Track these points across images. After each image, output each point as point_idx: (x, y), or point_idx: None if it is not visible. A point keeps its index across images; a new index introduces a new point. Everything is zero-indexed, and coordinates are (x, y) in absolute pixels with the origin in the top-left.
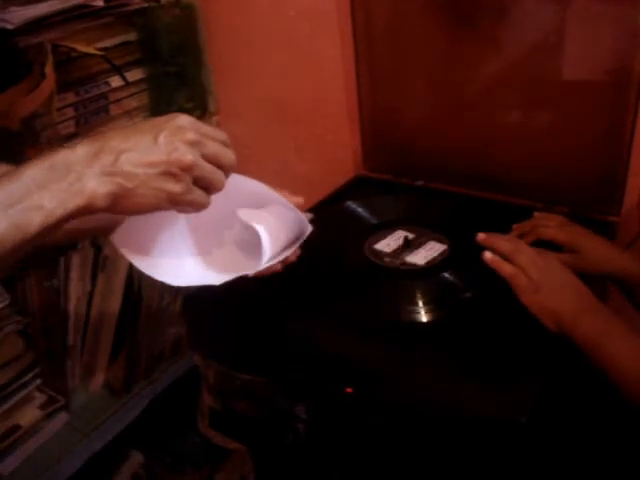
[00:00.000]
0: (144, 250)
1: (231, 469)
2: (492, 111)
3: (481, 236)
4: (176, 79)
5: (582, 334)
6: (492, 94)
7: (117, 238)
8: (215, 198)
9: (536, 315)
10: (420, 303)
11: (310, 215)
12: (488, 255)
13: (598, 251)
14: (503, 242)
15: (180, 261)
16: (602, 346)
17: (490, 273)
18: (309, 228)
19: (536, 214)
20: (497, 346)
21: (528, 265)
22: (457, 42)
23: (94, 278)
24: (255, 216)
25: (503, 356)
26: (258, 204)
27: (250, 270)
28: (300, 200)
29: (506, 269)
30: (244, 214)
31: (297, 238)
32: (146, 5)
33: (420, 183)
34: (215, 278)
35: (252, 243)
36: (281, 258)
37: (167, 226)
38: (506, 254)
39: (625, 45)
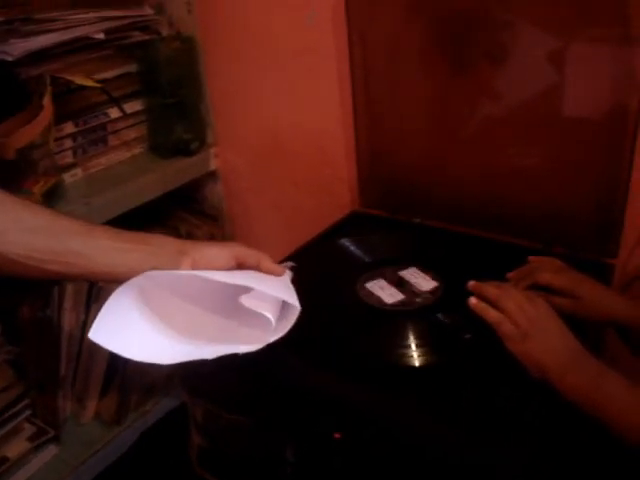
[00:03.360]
0: (126, 336)
1: None
2: (489, 150)
3: (471, 283)
4: (175, 110)
5: (570, 388)
6: (489, 133)
7: (95, 334)
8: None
9: (521, 362)
10: (413, 346)
11: (291, 264)
12: (473, 300)
13: (596, 297)
14: (490, 288)
15: (166, 338)
16: (594, 401)
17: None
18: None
19: (531, 258)
20: (492, 392)
21: (515, 311)
22: (454, 81)
23: (88, 308)
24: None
25: (499, 403)
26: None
27: (251, 345)
28: (280, 270)
29: (491, 315)
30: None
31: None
32: (147, 38)
33: (417, 221)
34: (208, 351)
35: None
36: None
37: (149, 307)
38: (492, 300)
39: (620, 86)
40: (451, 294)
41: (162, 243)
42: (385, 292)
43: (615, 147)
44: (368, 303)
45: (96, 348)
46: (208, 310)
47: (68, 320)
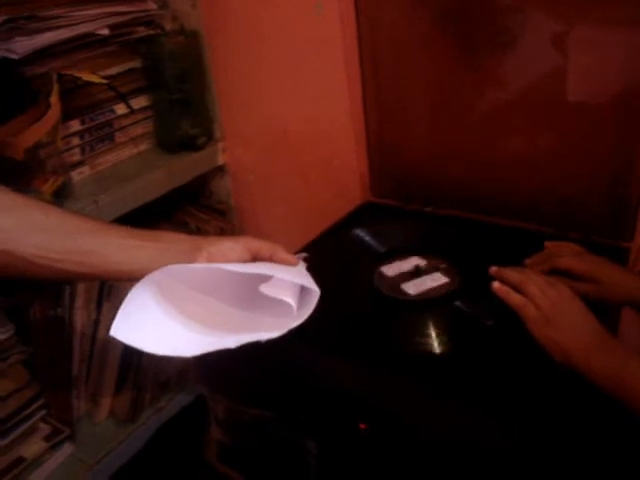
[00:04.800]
0: (147, 332)
1: None
2: (500, 136)
3: (493, 269)
4: (181, 106)
5: (596, 371)
6: (499, 120)
7: (116, 330)
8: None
9: (544, 347)
10: (434, 334)
11: (304, 254)
12: (496, 284)
13: (616, 279)
14: (513, 272)
15: (188, 330)
16: (621, 382)
17: (501, 304)
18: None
19: (547, 244)
20: (514, 378)
21: (538, 295)
22: (462, 68)
23: (99, 307)
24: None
25: (521, 389)
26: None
27: (273, 332)
28: (295, 260)
29: (514, 298)
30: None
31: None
32: (151, 33)
33: (429, 209)
34: (230, 341)
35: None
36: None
37: (168, 302)
38: (515, 284)
39: (629, 68)
40: (468, 282)
41: (175, 240)
42: (402, 282)
43: (626, 129)
44: (386, 293)
45: (109, 346)
46: (227, 302)
47: (80, 319)
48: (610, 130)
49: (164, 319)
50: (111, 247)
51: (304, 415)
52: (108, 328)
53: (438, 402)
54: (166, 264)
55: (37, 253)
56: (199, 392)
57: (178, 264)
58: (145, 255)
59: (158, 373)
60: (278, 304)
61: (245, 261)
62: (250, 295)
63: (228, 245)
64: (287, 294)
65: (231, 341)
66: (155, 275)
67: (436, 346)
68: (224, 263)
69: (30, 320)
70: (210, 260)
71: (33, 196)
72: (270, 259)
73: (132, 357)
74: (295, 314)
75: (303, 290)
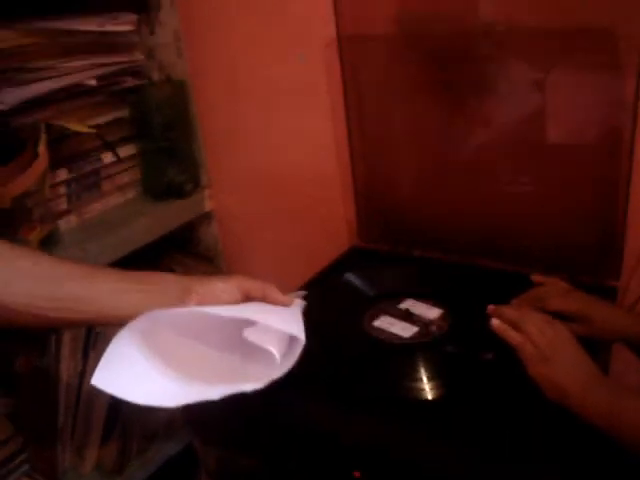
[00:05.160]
0: (130, 381)
1: None
2: (484, 179)
3: (491, 307)
4: (168, 154)
5: (590, 409)
6: (483, 162)
7: (98, 379)
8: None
9: (540, 386)
10: (426, 378)
11: (303, 292)
12: (495, 322)
13: (606, 316)
14: (510, 310)
15: (171, 380)
16: (615, 419)
17: (495, 343)
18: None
19: (535, 278)
20: (509, 421)
21: (535, 334)
22: (446, 112)
23: (85, 356)
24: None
25: (516, 431)
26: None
27: (256, 383)
28: (288, 301)
29: (512, 336)
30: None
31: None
32: (138, 83)
33: (417, 253)
34: (213, 392)
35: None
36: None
37: (152, 349)
38: (513, 322)
39: (611, 110)
40: (459, 324)
41: (166, 281)
42: (393, 326)
43: (610, 170)
44: (377, 337)
45: (95, 397)
46: (213, 346)
47: (66, 369)
48: (592, 171)
49: (147, 368)
50: (101, 293)
51: (296, 463)
52: None
53: (433, 448)
54: (158, 306)
55: (27, 302)
56: (187, 441)
57: (163, 309)
58: (136, 299)
59: (146, 423)
60: (263, 350)
61: (237, 301)
62: (237, 337)
63: (220, 286)
64: (271, 342)
65: (214, 393)
66: (139, 321)
67: (429, 390)
68: (211, 306)
69: (14, 372)
70: (200, 302)
71: (20, 245)
72: (263, 299)
73: (119, 407)
74: (278, 364)
75: (292, 335)
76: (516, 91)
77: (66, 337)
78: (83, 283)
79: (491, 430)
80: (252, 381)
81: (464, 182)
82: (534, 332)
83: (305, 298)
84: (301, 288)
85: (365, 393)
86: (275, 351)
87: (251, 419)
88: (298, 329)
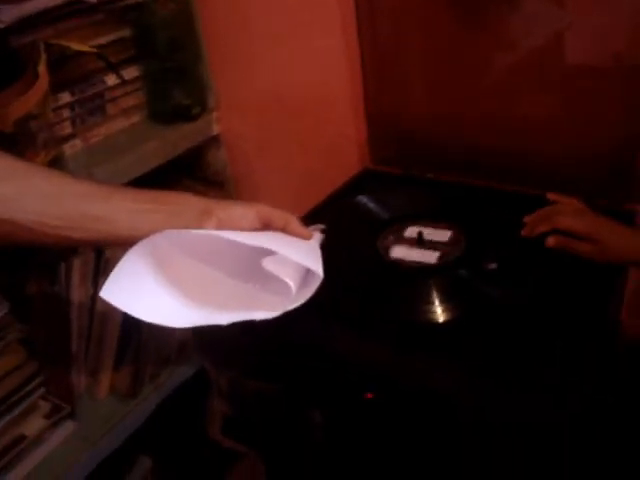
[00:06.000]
0: (138, 297)
1: (241, 473)
2: (502, 99)
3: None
4: (173, 75)
5: None
6: (502, 82)
7: (107, 292)
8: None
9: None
10: (439, 302)
11: (322, 226)
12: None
13: (619, 240)
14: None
15: (180, 301)
16: None
17: (509, 265)
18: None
19: (550, 195)
20: (521, 344)
21: (582, 230)
22: (464, 29)
23: (96, 282)
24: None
25: (529, 353)
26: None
27: (268, 312)
28: (308, 234)
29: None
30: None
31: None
32: (140, 0)
33: (430, 176)
34: (222, 317)
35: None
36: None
37: (164, 268)
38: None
39: (634, 26)
40: (473, 247)
41: (185, 202)
42: (407, 249)
43: (631, 92)
44: (390, 261)
45: (107, 321)
46: (226, 271)
47: (77, 295)
48: (613, 93)
49: (156, 287)
50: (118, 213)
51: (308, 386)
52: (106, 303)
53: (443, 369)
54: (175, 228)
55: (38, 219)
56: (200, 365)
57: (178, 229)
58: (153, 219)
59: (158, 348)
60: (278, 280)
61: (255, 229)
62: (253, 265)
63: (240, 212)
64: (288, 273)
65: (223, 318)
66: (152, 240)
67: (441, 313)
68: (231, 231)
69: (26, 297)
70: (219, 227)
71: None
72: (283, 230)
73: (131, 332)
74: (293, 296)
75: (308, 269)
76: (538, 7)
77: (76, 264)
78: (99, 202)
79: (501, 353)
80: (264, 310)
81: (481, 102)
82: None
83: (323, 232)
84: (312, 212)
85: (379, 316)
86: (292, 283)
87: (264, 342)
88: (316, 263)
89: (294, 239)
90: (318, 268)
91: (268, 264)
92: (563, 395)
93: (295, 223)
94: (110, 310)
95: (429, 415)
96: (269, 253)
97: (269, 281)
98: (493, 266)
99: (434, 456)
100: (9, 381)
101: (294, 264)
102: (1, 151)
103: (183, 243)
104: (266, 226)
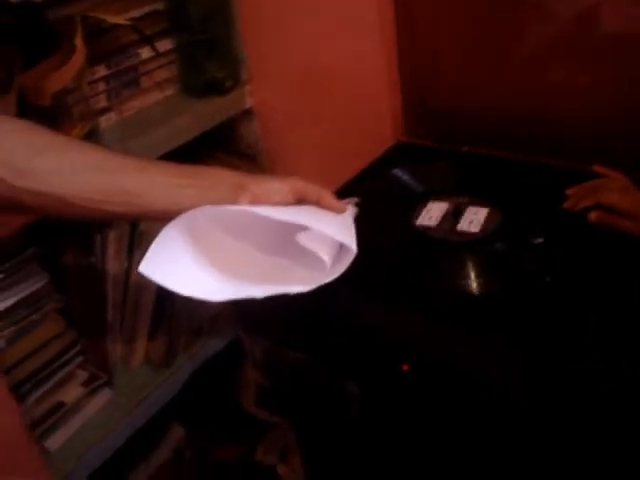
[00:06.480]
0: (176, 272)
1: (273, 442)
2: (540, 70)
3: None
4: (206, 48)
5: None
6: (540, 52)
7: (146, 267)
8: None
9: None
10: (476, 275)
11: (356, 199)
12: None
13: None
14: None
15: (216, 275)
16: None
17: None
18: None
19: (596, 168)
20: (558, 319)
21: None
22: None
23: (131, 254)
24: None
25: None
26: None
27: (303, 286)
28: (342, 208)
29: (622, 223)
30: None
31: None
32: None
33: (465, 149)
34: (258, 290)
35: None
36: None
37: (200, 243)
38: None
39: None
40: (510, 221)
41: (220, 176)
42: (443, 223)
43: None
44: (426, 234)
45: (141, 293)
46: (261, 246)
47: (112, 267)
48: None
49: (193, 261)
50: (153, 187)
51: (345, 357)
52: (140, 274)
53: (480, 342)
54: (210, 203)
55: (76, 194)
56: (232, 338)
57: (215, 206)
58: (188, 194)
59: (191, 318)
60: (312, 255)
61: (288, 204)
62: (287, 240)
63: (274, 186)
64: (323, 248)
65: (259, 291)
66: (189, 214)
67: (478, 287)
68: (265, 207)
69: (63, 268)
70: (253, 201)
71: None
72: (316, 204)
73: (165, 303)
74: (328, 270)
75: (342, 243)
76: None
77: (111, 236)
78: (136, 176)
79: (539, 327)
80: (298, 284)
81: (517, 73)
82: (627, 208)
83: (357, 205)
84: (346, 185)
85: (413, 289)
86: (326, 258)
87: (300, 313)
88: (350, 238)
89: (328, 213)
90: (352, 243)
91: (303, 239)
92: (599, 373)
93: (329, 197)
94: (145, 282)
95: (462, 389)
96: (303, 228)
97: (303, 255)
98: (539, 240)
99: (464, 430)
100: (49, 349)
101: (328, 239)
102: (41, 125)
103: (219, 218)
104: (300, 200)
